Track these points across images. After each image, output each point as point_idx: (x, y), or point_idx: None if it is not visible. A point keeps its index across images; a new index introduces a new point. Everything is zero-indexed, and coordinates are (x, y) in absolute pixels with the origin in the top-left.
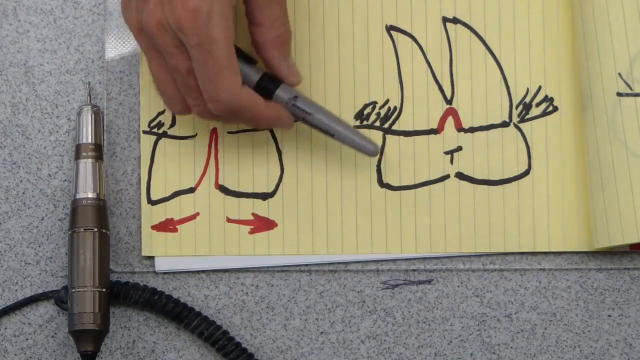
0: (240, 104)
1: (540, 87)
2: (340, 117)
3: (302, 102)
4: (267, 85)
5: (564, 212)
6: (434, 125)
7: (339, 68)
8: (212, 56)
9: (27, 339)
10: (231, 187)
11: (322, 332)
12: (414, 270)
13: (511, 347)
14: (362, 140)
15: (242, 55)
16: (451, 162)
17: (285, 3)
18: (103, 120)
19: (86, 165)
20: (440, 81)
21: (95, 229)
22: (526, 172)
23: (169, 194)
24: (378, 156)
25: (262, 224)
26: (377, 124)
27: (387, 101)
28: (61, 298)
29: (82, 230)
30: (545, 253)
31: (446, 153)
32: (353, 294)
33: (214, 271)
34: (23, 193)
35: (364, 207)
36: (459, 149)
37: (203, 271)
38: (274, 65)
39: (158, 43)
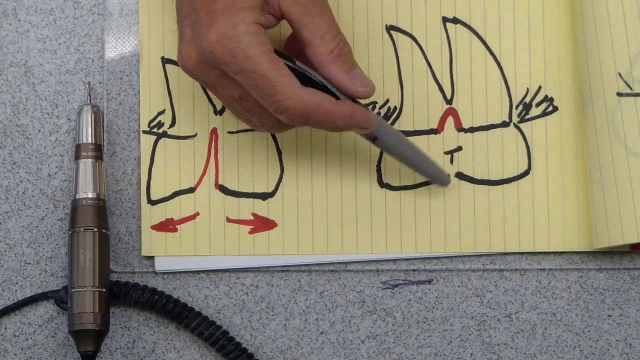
0: (306, 105)
1: (540, 87)
2: (415, 146)
3: (381, 136)
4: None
5: (564, 212)
6: (434, 125)
7: None
8: (259, 74)
9: (27, 339)
10: (231, 187)
11: (322, 332)
12: (414, 270)
13: (511, 347)
14: (437, 171)
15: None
16: (451, 162)
17: (331, 14)
18: (103, 120)
19: (86, 165)
20: (440, 81)
21: (95, 229)
22: (526, 172)
23: (169, 194)
24: (378, 156)
25: (262, 224)
26: None
27: (387, 101)
28: (61, 298)
29: (82, 230)
30: (545, 253)
31: (446, 153)
32: (353, 294)
33: (214, 271)
34: (23, 193)
35: (364, 207)
36: (459, 149)
37: (203, 271)
38: (337, 82)
39: (204, 80)
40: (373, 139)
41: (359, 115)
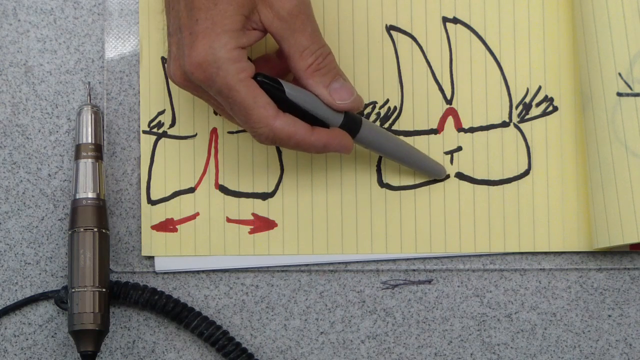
0: (278, 135)
1: (540, 87)
2: (405, 143)
3: (364, 136)
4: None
5: (564, 212)
6: (434, 125)
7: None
8: (235, 102)
9: (27, 339)
10: (231, 187)
11: (322, 332)
12: (414, 270)
13: (511, 347)
14: (432, 164)
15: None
16: (451, 162)
17: (315, 27)
18: (103, 120)
19: (86, 165)
20: (440, 81)
21: (95, 229)
22: (526, 172)
23: (168, 194)
24: (378, 156)
25: (262, 224)
26: (377, 123)
27: (387, 101)
28: (61, 298)
29: (82, 230)
30: (545, 253)
31: (446, 153)
32: (353, 294)
33: (214, 271)
34: (23, 193)
35: (364, 207)
36: (459, 149)
37: (203, 271)
38: (317, 95)
39: (193, 93)
40: (359, 140)
41: (334, 144)
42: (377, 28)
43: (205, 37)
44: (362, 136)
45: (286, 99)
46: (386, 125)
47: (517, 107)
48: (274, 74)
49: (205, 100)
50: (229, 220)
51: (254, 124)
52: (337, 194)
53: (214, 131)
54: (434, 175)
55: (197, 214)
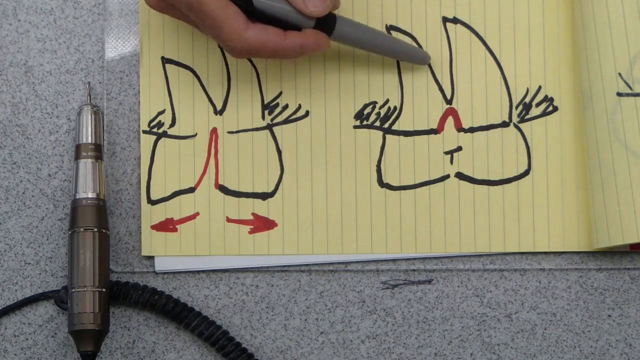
0: (252, 45)
1: (540, 87)
2: (383, 32)
3: (340, 32)
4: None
5: (564, 212)
6: (434, 125)
7: (339, 68)
8: (205, 14)
9: (27, 339)
10: (231, 187)
11: (322, 332)
12: (414, 270)
13: (511, 347)
14: (414, 51)
15: None
16: (451, 162)
17: None
18: (103, 120)
19: (86, 165)
20: (440, 81)
21: (95, 229)
22: (526, 172)
23: (168, 193)
24: (378, 156)
25: (262, 224)
26: (377, 124)
27: (387, 101)
28: (61, 298)
29: (82, 230)
30: (545, 253)
31: (446, 153)
32: (353, 294)
33: (214, 271)
34: (23, 193)
35: (364, 207)
36: (459, 149)
37: (203, 271)
38: (291, 2)
39: (170, 15)
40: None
41: (309, 44)
42: (377, 28)
43: None
44: (338, 33)
45: (255, 10)
46: (386, 125)
47: (517, 107)
48: None
49: (183, 21)
50: (229, 220)
51: (225, 38)
52: (337, 194)
53: (214, 131)
54: (417, 62)
55: (197, 213)
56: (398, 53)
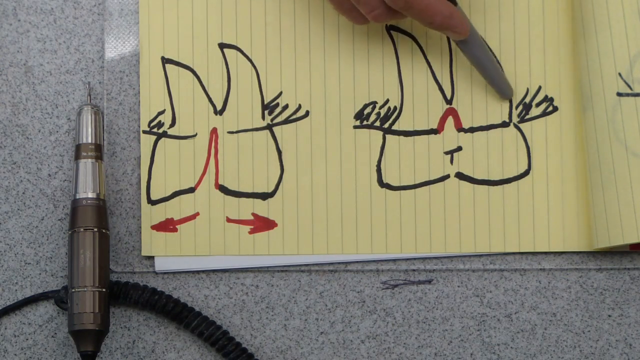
0: None
1: (540, 87)
2: (494, 58)
3: (469, 44)
4: None
5: (564, 212)
6: (434, 125)
7: (339, 68)
8: None
9: (27, 339)
10: (231, 187)
11: (322, 332)
12: (414, 270)
13: (511, 347)
14: (504, 83)
15: None
16: (451, 162)
17: None
18: (103, 120)
19: (86, 165)
20: (440, 81)
21: (95, 229)
22: (526, 172)
23: (168, 193)
24: (378, 156)
25: (262, 224)
26: (377, 124)
27: (387, 101)
28: (61, 298)
29: (82, 230)
30: (545, 253)
31: (446, 153)
32: (353, 294)
33: (214, 271)
34: (23, 193)
35: (364, 207)
36: (459, 149)
37: (203, 271)
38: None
39: None
40: (462, 42)
41: (457, 19)
42: (377, 28)
43: None
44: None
45: None
46: (386, 125)
47: (517, 107)
48: None
49: None
50: (229, 220)
51: None
52: (337, 194)
53: (214, 131)
54: (501, 93)
55: (197, 214)
56: (492, 80)
